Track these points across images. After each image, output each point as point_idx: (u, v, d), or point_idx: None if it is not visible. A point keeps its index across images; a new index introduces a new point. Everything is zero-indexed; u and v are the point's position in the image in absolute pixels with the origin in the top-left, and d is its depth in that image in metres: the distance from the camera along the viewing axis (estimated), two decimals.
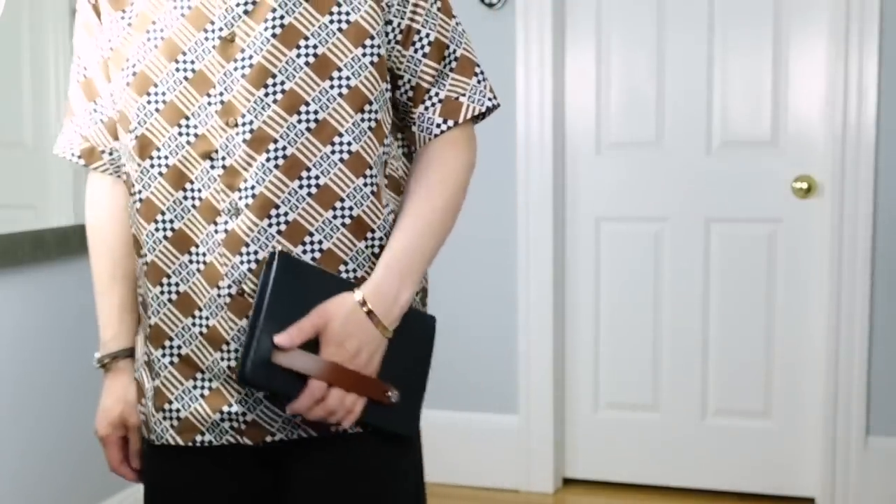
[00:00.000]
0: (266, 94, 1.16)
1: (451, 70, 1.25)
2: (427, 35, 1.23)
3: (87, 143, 1.32)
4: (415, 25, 1.23)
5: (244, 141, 1.16)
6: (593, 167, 3.15)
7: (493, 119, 3.12)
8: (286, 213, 1.17)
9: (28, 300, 2.36)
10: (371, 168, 1.20)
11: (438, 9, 1.25)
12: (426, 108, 1.24)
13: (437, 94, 1.25)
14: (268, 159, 1.16)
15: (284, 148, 1.16)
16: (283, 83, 1.16)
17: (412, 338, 1.23)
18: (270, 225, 1.17)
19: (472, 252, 3.20)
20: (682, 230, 3.09)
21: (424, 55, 1.23)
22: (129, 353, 1.33)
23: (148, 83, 1.20)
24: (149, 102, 1.20)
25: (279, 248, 1.17)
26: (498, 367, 3.22)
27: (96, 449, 2.59)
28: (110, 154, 1.31)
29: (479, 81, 1.27)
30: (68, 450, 2.50)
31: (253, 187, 1.16)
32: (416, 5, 1.23)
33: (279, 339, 1.12)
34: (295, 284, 1.13)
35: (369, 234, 1.21)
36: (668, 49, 3.06)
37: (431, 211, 1.22)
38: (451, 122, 1.24)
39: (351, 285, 1.18)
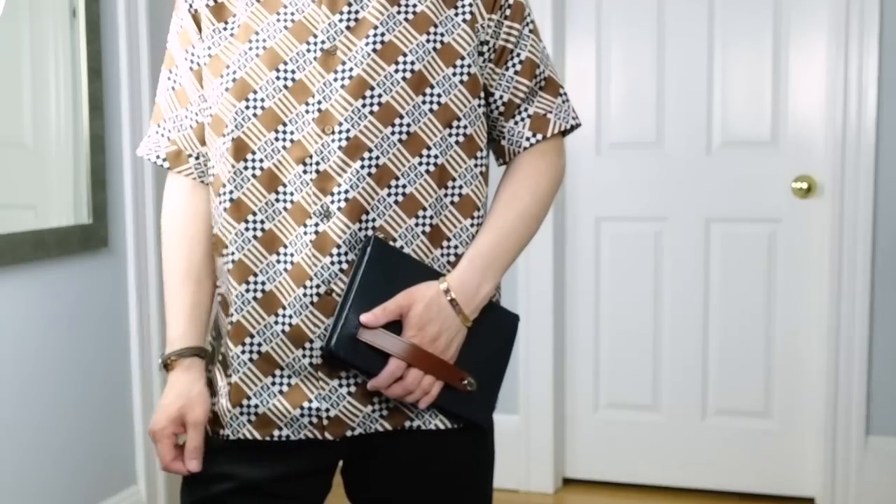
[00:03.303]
0: (363, 105, 1.22)
1: (541, 89, 1.34)
2: (519, 54, 1.31)
3: (173, 147, 1.37)
4: (508, 46, 1.31)
5: (340, 148, 1.22)
6: (593, 167, 3.15)
7: None
8: (374, 220, 1.23)
9: (28, 300, 2.36)
10: (454, 180, 1.27)
11: (530, 31, 1.33)
12: (516, 123, 1.32)
13: (526, 110, 1.32)
14: (362, 166, 1.22)
15: (377, 157, 1.23)
16: (380, 96, 1.22)
17: (494, 332, 1.31)
18: (361, 229, 1.23)
19: None
20: (682, 230, 3.09)
21: (516, 72, 1.31)
22: (196, 352, 1.33)
23: (247, 89, 1.25)
24: (247, 108, 1.25)
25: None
26: None
27: (96, 448, 2.59)
28: (196, 158, 1.36)
29: (563, 101, 1.36)
30: (69, 449, 2.50)
31: (347, 191, 1.22)
32: (510, 27, 1.31)
33: (365, 317, 1.20)
34: (386, 268, 1.22)
35: (445, 243, 1.28)
36: (667, 49, 3.06)
37: (515, 217, 1.30)
38: (539, 136, 1.32)
39: (437, 274, 1.25)
